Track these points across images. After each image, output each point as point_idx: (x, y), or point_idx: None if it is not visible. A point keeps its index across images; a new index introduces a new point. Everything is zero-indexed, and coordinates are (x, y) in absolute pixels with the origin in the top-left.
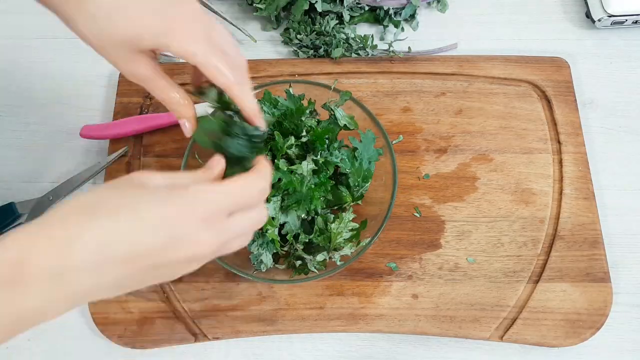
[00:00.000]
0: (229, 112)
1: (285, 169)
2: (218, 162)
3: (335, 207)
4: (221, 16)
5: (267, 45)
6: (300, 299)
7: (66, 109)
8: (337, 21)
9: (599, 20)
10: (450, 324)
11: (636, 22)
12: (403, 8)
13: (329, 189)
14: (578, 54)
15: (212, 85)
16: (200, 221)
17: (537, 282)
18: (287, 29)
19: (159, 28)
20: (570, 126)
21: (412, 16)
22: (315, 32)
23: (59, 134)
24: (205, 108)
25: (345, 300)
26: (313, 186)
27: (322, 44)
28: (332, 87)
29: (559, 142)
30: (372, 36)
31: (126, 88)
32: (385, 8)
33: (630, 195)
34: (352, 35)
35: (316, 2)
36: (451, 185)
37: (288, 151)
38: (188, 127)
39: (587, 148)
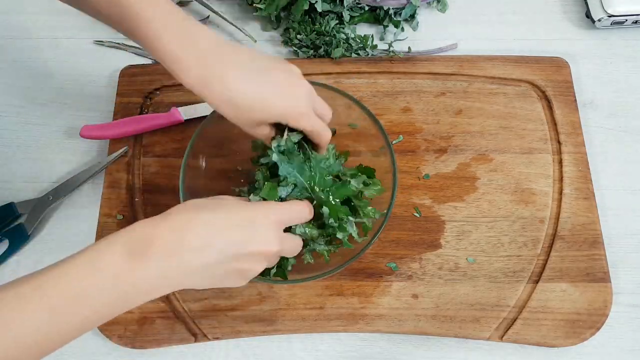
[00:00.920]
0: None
1: None
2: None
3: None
4: (221, 16)
5: (267, 45)
6: (300, 299)
7: (66, 109)
8: (337, 21)
9: (599, 20)
10: (450, 324)
11: (636, 22)
12: (403, 8)
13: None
14: (578, 54)
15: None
16: (272, 223)
17: (537, 282)
18: (287, 29)
19: (282, 110)
20: (570, 126)
21: (412, 16)
22: (315, 32)
23: (59, 134)
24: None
25: (345, 300)
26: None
27: (322, 44)
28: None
29: (559, 142)
30: (372, 36)
31: (126, 88)
32: (385, 8)
33: (630, 195)
34: (352, 35)
35: (316, 2)
36: (451, 185)
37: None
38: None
39: (587, 148)
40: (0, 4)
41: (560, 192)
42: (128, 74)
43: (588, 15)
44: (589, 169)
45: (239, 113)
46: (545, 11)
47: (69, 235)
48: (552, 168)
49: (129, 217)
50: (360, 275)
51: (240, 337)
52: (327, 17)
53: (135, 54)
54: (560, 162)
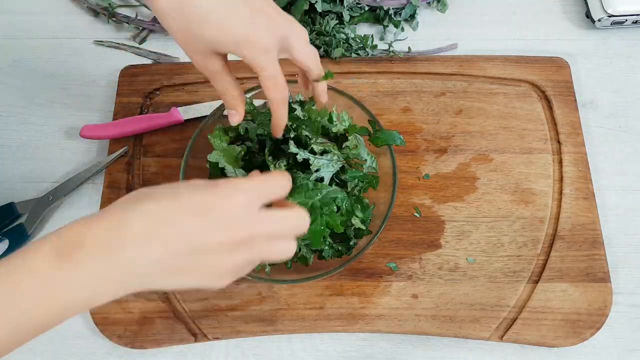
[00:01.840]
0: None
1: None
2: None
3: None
4: None
5: None
6: (300, 299)
7: (66, 109)
8: (337, 21)
9: (599, 20)
10: (450, 324)
11: (636, 22)
12: (403, 8)
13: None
14: (578, 54)
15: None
16: (238, 205)
17: (537, 282)
18: None
19: (239, 37)
20: (570, 126)
21: (412, 16)
22: (315, 32)
23: (59, 134)
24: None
25: (345, 300)
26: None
27: (322, 44)
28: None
29: (558, 142)
30: (372, 36)
31: (126, 88)
32: (385, 8)
33: (630, 195)
34: (352, 35)
35: (316, 2)
36: (451, 185)
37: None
38: (236, 118)
39: (587, 148)
40: (0, 4)
41: (560, 192)
42: (128, 74)
43: (588, 15)
44: (589, 169)
45: (187, 27)
46: (545, 11)
47: None
48: (552, 168)
49: None
50: (360, 275)
51: (240, 337)
52: (327, 17)
53: (135, 54)
54: (560, 162)
